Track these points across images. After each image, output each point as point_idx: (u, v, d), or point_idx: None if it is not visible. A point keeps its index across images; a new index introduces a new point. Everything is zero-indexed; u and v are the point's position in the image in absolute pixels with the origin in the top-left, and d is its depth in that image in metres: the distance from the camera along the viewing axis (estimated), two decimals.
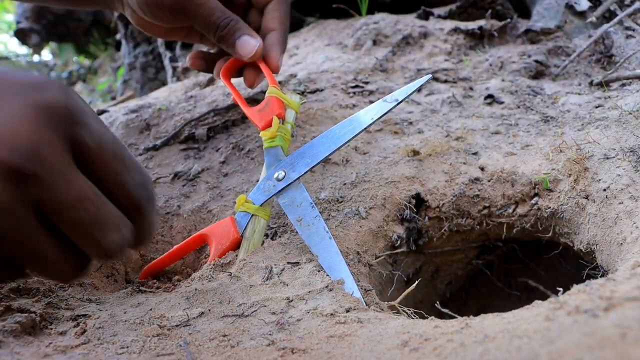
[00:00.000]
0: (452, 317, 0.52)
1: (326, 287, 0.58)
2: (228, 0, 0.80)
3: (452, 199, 0.78)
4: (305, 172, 0.68)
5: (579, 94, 0.99)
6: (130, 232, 0.43)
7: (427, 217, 0.79)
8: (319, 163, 0.68)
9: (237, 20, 0.77)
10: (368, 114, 0.68)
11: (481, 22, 1.25)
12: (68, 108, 0.39)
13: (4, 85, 0.39)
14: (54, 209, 0.39)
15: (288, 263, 0.63)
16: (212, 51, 0.93)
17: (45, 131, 0.38)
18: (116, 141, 0.43)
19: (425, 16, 1.34)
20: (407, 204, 0.77)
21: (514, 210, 0.78)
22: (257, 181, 0.73)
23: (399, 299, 0.60)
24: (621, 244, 0.63)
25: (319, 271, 0.61)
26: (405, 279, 0.80)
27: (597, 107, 0.90)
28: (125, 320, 0.53)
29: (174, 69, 1.58)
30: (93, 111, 0.42)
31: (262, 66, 0.80)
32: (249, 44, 0.76)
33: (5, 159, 0.36)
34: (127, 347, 0.48)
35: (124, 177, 0.42)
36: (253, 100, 0.99)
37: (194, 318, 0.54)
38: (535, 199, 0.77)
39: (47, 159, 0.37)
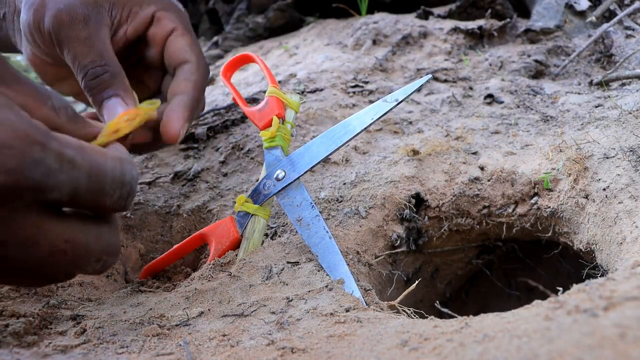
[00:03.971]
0: (451, 317, 0.52)
1: (326, 286, 0.58)
2: (139, 60, 0.67)
3: (451, 198, 0.78)
4: (305, 172, 0.68)
5: (579, 93, 0.99)
6: (113, 249, 0.43)
7: (426, 217, 0.79)
8: (318, 163, 0.68)
9: (115, 73, 0.59)
10: (368, 113, 0.68)
11: (481, 22, 1.25)
12: (24, 178, 0.36)
13: None
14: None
15: (288, 263, 0.63)
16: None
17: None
18: (90, 172, 0.40)
19: (425, 16, 1.34)
20: (407, 204, 0.77)
21: (513, 209, 0.78)
22: (257, 181, 0.73)
23: (398, 299, 0.60)
24: (621, 243, 0.63)
25: (318, 271, 0.61)
26: (405, 278, 0.80)
27: (596, 107, 0.90)
28: (125, 320, 0.53)
29: None
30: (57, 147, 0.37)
31: (262, 66, 0.80)
32: (115, 112, 0.58)
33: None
34: (127, 346, 0.48)
35: (103, 203, 0.41)
36: (253, 100, 0.99)
37: (194, 318, 0.54)
38: (535, 198, 0.77)
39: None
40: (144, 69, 0.70)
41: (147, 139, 0.66)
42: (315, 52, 1.22)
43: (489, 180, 0.79)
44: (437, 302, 0.72)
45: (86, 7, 0.60)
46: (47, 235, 0.38)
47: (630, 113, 0.81)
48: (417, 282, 0.64)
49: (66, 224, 0.39)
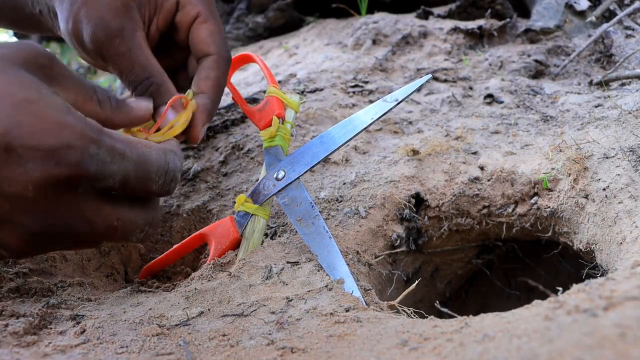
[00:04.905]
0: (451, 317, 0.52)
1: (326, 286, 0.58)
2: (174, 43, 0.69)
3: (451, 198, 0.78)
4: (305, 172, 0.68)
5: (579, 93, 0.99)
6: (154, 223, 0.51)
7: (426, 217, 0.79)
8: (318, 163, 0.68)
9: (160, 83, 0.62)
10: (368, 113, 0.68)
11: (481, 22, 1.25)
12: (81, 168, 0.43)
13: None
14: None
15: (287, 262, 0.63)
16: None
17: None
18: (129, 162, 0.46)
19: (425, 16, 1.34)
20: (407, 204, 0.77)
21: (513, 209, 0.78)
22: (257, 181, 0.73)
23: (398, 299, 0.60)
24: (621, 243, 0.63)
25: (318, 271, 0.61)
26: (405, 278, 0.80)
27: (596, 107, 0.90)
28: (125, 320, 0.53)
29: None
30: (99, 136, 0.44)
31: (262, 66, 0.80)
32: (167, 119, 0.61)
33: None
34: (127, 346, 0.48)
35: (149, 188, 0.49)
36: (253, 100, 0.99)
37: (194, 317, 0.54)
38: (535, 198, 0.77)
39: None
40: (180, 50, 0.71)
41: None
42: (315, 52, 1.22)
43: (488, 180, 0.79)
44: (437, 302, 0.72)
45: (118, 17, 0.62)
46: (103, 215, 0.46)
47: (630, 113, 0.81)
48: (417, 282, 0.64)
49: (118, 206, 0.47)
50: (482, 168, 0.81)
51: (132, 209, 0.48)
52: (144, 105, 0.55)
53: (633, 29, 1.13)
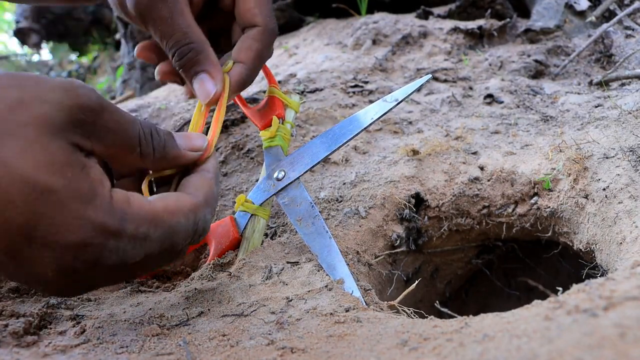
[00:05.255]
0: (451, 317, 0.52)
1: (326, 286, 0.58)
2: (218, 11, 0.69)
3: (451, 198, 0.78)
4: (305, 172, 0.68)
5: (579, 93, 0.99)
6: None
7: (426, 217, 0.79)
8: (318, 163, 0.68)
9: (200, 50, 0.62)
10: (368, 113, 0.68)
11: (481, 22, 1.25)
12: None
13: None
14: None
15: (287, 262, 0.63)
16: None
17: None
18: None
19: (425, 16, 1.34)
20: (407, 204, 0.77)
21: (513, 209, 0.78)
22: (257, 181, 0.73)
23: (398, 299, 0.60)
24: (621, 243, 0.63)
25: (318, 271, 0.61)
26: (405, 278, 0.80)
27: (596, 107, 0.90)
28: (125, 320, 0.53)
29: None
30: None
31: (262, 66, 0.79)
32: (205, 87, 0.63)
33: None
34: (127, 346, 0.48)
35: (174, 253, 0.49)
36: (253, 100, 0.99)
37: (194, 317, 0.54)
38: (535, 198, 0.77)
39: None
40: (224, 16, 0.70)
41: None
42: (315, 52, 1.22)
43: (488, 180, 0.79)
44: (437, 302, 0.72)
45: None
46: (124, 276, 0.48)
47: (630, 113, 0.81)
48: (416, 282, 0.64)
49: (137, 266, 0.46)
50: (482, 168, 0.81)
51: (154, 260, 0.48)
52: (194, 148, 0.53)
53: (633, 29, 1.13)
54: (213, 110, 0.64)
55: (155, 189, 0.55)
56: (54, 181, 0.39)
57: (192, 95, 0.70)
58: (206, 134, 0.58)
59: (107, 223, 0.41)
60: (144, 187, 0.50)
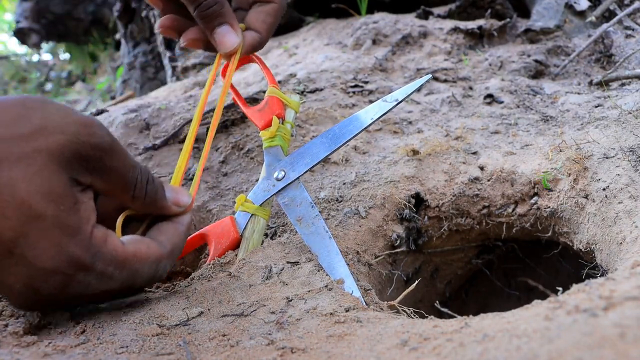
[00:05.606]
0: (451, 317, 0.52)
1: (326, 286, 0.58)
2: None
3: (451, 198, 0.78)
4: (304, 172, 0.68)
5: (579, 93, 0.99)
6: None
7: (426, 217, 0.79)
8: (318, 163, 0.68)
9: (223, 3, 0.68)
10: (368, 113, 0.68)
11: (481, 22, 1.25)
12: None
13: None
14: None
15: (287, 262, 0.63)
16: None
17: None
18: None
19: (425, 16, 1.34)
20: (407, 204, 0.77)
21: (513, 209, 0.78)
22: (257, 181, 0.73)
23: (398, 299, 0.60)
24: (621, 243, 0.63)
25: (318, 271, 0.61)
26: (405, 278, 0.80)
27: (596, 107, 0.90)
28: (125, 320, 0.53)
29: (174, 68, 1.58)
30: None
31: (262, 65, 0.80)
32: (228, 37, 0.69)
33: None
34: (127, 346, 0.48)
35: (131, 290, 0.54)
36: (253, 100, 0.99)
37: (194, 317, 0.54)
38: (535, 198, 0.77)
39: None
40: None
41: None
42: (315, 52, 1.22)
43: (488, 180, 0.79)
44: (437, 302, 0.72)
45: None
46: (79, 301, 0.51)
47: (630, 113, 0.81)
48: (416, 282, 0.64)
49: (95, 296, 0.51)
50: (482, 168, 0.81)
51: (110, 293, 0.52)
52: (179, 204, 0.57)
53: (633, 29, 1.13)
54: (208, 121, 0.67)
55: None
56: (47, 210, 0.44)
57: (193, 44, 0.74)
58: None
59: (81, 258, 0.46)
60: (120, 221, 0.54)
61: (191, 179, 0.88)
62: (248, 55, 0.74)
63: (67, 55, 3.74)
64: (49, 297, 0.47)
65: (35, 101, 0.46)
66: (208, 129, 0.95)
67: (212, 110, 1.00)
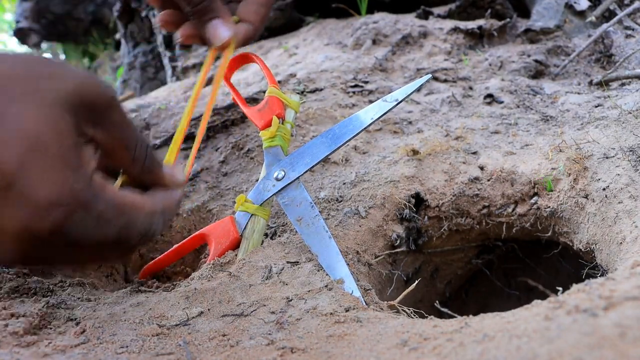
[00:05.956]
0: (451, 317, 0.52)
1: (326, 286, 0.58)
2: None
3: (451, 198, 0.78)
4: (304, 172, 0.68)
5: (579, 93, 0.99)
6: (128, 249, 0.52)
7: (426, 217, 0.79)
8: (318, 163, 0.68)
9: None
10: (368, 113, 0.68)
11: (481, 22, 1.25)
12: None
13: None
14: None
15: (287, 262, 0.63)
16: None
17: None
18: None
19: (425, 16, 1.34)
20: (407, 204, 0.77)
21: (513, 209, 0.78)
22: (257, 181, 0.73)
23: (398, 299, 0.60)
24: (621, 243, 0.63)
25: (318, 270, 0.61)
26: (405, 278, 0.80)
27: (596, 107, 0.90)
28: (125, 320, 0.53)
29: (174, 68, 1.58)
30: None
31: (262, 65, 0.80)
32: (220, 30, 0.71)
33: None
34: (127, 346, 0.48)
35: (125, 243, 0.50)
36: (253, 100, 0.99)
37: (194, 317, 0.54)
38: (535, 198, 0.77)
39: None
40: None
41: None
42: (315, 52, 1.22)
43: (488, 180, 0.79)
44: (437, 301, 0.72)
45: None
46: (72, 257, 0.48)
47: (630, 113, 0.81)
48: (416, 282, 0.64)
49: (88, 249, 0.48)
50: (482, 168, 0.81)
51: (104, 249, 0.50)
52: (174, 180, 0.57)
53: (633, 29, 1.13)
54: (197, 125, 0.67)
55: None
56: (52, 142, 0.43)
57: (189, 39, 0.75)
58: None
59: (82, 192, 0.44)
60: (118, 182, 0.53)
61: (191, 179, 0.88)
62: (242, 46, 0.75)
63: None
64: (44, 245, 0.45)
65: (40, 57, 0.48)
66: (208, 128, 0.96)
67: (212, 110, 1.00)
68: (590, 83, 1.02)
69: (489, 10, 1.28)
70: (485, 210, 0.79)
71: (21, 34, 2.93)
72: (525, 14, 1.32)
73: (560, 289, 0.49)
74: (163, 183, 0.55)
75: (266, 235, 0.72)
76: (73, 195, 0.44)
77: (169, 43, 1.64)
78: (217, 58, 0.75)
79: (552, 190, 0.76)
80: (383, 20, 1.27)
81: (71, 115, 0.45)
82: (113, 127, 0.49)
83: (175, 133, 0.61)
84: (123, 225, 0.48)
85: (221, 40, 0.71)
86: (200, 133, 0.66)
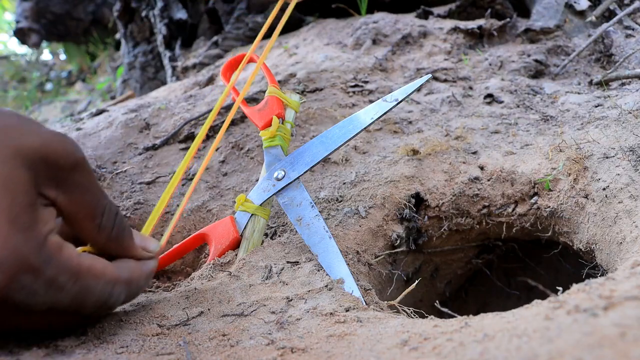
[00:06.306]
0: (451, 317, 0.52)
1: (326, 286, 0.58)
2: None
3: (451, 198, 0.78)
4: (304, 172, 0.68)
5: (579, 93, 0.99)
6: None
7: (426, 217, 0.79)
8: (318, 162, 0.68)
9: None
10: (368, 113, 0.68)
11: (481, 22, 1.25)
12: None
13: None
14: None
15: (287, 262, 0.63)
16: None
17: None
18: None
19: (425, 15, 1.34)
20: (407, 203, 0.77)
21: (513, 209, 0.78)
22: (257, 180, 0.73)
23: (398, 299, 0.60)
24: (621, 243, 0.63)
25: (318, 270, 0.61)
26: (405, 278, 0.80)
27: (596, 107, 0.90)
28: (125, 320, 0.53)
29: (174, 68, 1.58)
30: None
31: (262, 66, 0.80)
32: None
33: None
34: (127, 346, 0.48)
35: (78, 314, 0.47)
36: (253, 100, 0.99)
37: (194, 317, 0.54)
38: (535, 198, 0.77)
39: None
40: None
41: None
42: (315, 52, 1.22)
43: (488, 180, 0.79)
44: (437, 301, 0.72)
45: None
46: (23, 324, 0.45)
47: (630, 113, 0.81)
48: (416, 281, 0.64)
49: (40, 317, 0.45)
50: (482, 168, 0.81)
51: (57, 317, 0.46)
52: (147, 249, 0.52)
53: (633, 29, 1.13)
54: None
55: None
56: (2, 198, 0.40)
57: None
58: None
59: (29, 257, 0.41)
60: (83, 248, 0.49)
61: (191, 179, 0.88)
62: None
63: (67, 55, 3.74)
64: None
65: (6, 110, 0.45)
66: (209, 127, 0.95)
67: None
68: (590, 83, 1.02)
69: (489, 10, 1.28)
70: (485, 210, 0.79)
71: (21, 34, 2.93)
72: (525, 13, 1.32)
73: (560, 288, 0.49)
74: (133, 255, 0.51)
75: (266, 235, 0.72)
76: (18, 258, 0.40)
77: (169, 43, 1.64)
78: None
79: (549, 189, 0.76)
80: (383, 20, 1.27)
81: (30, 173, 0.42)
82: (77, 190, 0.45)
83: (156, 205, 0.57)
84: (77, 293, 0.44)
85: None
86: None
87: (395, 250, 0.76)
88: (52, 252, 0.42)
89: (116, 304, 0.49)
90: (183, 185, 0.87)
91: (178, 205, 0.83)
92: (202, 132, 0.64)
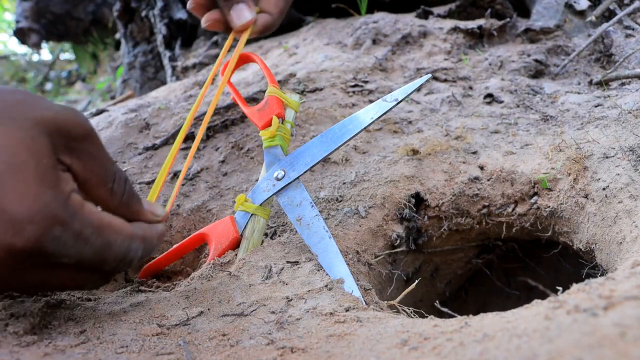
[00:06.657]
0: (451, 316, 0.52)
1: (326, 286, 0.58)
2: None
3: (451, 198, 0.78)
4: (304, 172, 0.68)
5: (579, 93, 0.99)
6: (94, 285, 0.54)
7: (426, 217, 0.79)
8: (318, 162, 0.68)
9: None
10: (367, 113, 0.68)
11: (481, 21, 1.25)
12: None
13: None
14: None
15: (287, 262, 0.63)
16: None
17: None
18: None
19: (425, 15, 1.34)
20: (407, 203, 0.77)
21: (513, 209, 0.78)
22: (257, 180, 0.73)
23: (398, 298, 0.60)
24: (620, 243, 0.63)
25: (318, 270, 0.61)
26: (405, 278, 0.80)
27: (596, 106, 0.90)
28: (125, 320, 0.53)
29: (174, 68, 1.58)
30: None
31: (262, 65, 0.80)
32: (243, 13, 0.78)
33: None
34: (127, 346, 0.48)
35: (100, 268, 0.51)
36: (252, 100, 0.99)
37: (194, 317, 0.54)
38: (535, 198, 0.77)
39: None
40: None
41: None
42: (315, 52, 1.22)
43: (488, 180, 0.79)
44: (437, 301, 0.72)
45: None
46: (50, 281, 0.49)
47: (630, 112, 0.81)
48: (416, 281, 0.64)
49: (66, 273, 0.49)
50: (482, 168, 0.81)
51: (77, 274, 0.50)
52: (154, 213, 0.56)
53: (633, 29, 1.13)
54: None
55: None
56: (29, 160, 0.44)
57: (213, 24, 0.81)
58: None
59: (58, 210, 0.45)
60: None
61: (191, 179, 0.88)
62: (261, 34, 0.82)
63: (67, 55, 3.74)
64: (22, 260, 0.45)
65: (18, 89, 0.49)
66: (208, 128, 0.95)
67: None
68: (590, 83, 1.02)
69: (489, 10, 1.28)
70: (485, 210, 0.79)
71: (21, 34, 2.93)
72: (525, 13, 1.32)
73: (560, 288, 0.49)
74: (142, 219, 0.55)
75: (266, 235, 0.72)
76: (49, 212, 0.44)
77: (169, 43, 1.64)
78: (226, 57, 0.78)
79: (549, 189, 0.76)
80: (383, 20, 1.27)
81: (49, 140, 0.46)
82: (89, 158, 0.49)
83: (160, 171, 0.61)
84: (100, 247, 0.48)
85: (242, 21, 0.77)
86: (199, 135, 0.66)
87: (395, 250, 0.76)
88: (76, 207, 0.46)
89: (134, 260, 0.52)
90: (183, 185, 0.87)
91: (178, 205, 0.83)
92: (188, 120, 0.68)
